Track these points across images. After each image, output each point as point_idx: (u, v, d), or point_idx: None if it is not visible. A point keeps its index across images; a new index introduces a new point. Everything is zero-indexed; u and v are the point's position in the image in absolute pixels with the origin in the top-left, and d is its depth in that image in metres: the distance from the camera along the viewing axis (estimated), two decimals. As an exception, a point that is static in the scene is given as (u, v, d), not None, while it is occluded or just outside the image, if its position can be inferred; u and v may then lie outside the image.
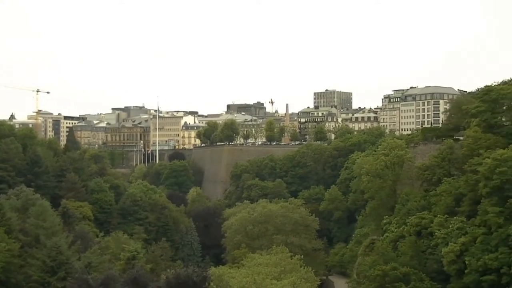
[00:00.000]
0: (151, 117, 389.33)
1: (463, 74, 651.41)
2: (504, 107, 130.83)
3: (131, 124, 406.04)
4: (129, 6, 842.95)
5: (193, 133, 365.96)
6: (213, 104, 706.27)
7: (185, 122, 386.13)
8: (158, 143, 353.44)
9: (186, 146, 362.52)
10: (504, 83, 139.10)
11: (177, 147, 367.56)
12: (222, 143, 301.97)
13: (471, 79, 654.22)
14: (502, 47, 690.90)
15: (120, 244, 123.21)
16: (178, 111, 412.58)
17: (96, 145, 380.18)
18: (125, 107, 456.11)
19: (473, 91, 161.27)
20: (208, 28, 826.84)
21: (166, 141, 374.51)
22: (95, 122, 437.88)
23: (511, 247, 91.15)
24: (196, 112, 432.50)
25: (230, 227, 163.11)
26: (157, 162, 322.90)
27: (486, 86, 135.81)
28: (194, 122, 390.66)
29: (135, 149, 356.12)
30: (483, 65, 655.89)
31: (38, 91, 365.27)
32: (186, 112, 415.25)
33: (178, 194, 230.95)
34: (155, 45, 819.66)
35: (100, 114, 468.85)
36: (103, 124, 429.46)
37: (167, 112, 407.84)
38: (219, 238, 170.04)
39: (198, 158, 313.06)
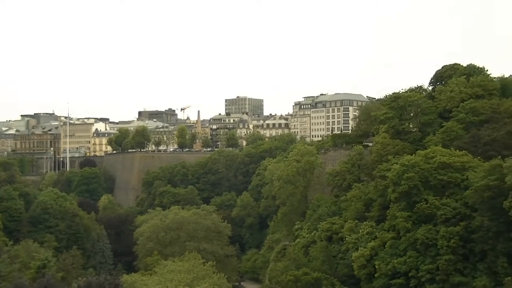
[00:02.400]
0: (62, 124, 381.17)
1: (372, 81, 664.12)
2: (411, 114, 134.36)
3: (41, 131, 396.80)
4: (31, 10, 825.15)
5: (104, 140, 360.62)
6: (124, 111, 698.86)
7: (96, 129, 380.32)
8: (69, 150, 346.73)
9: (98, 153, 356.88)
10: (411, 90, 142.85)
11: (88, 154, 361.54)
12: (133, 150, 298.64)
13: (380, 86, 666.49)
14: (411, 55, 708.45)
15: (30, 252, 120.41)
16: (89, 118, 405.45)
17: (5, 153, 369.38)
18: (35, 113, 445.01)
19: (382, 98, 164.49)
20: (118, 35, 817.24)
21: (77, 148, 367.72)
22: (3, 129, 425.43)
23: (419, 251, 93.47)
24: (107, 119, 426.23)
25: (142, 234, 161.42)
26: (68, 169, 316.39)
27: (394, 93, 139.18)
28: (105, 129, 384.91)
29: (45, 156, 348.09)
30: (391, 72, 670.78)
31: None
32: (97, 119, 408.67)
33: (89, 202, 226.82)
34: (64, 51, 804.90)
35: (9, 121, 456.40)
36: (12, 131, 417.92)
37: (78, 119, 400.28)
38: (131, 245, 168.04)
39: (110, 165, 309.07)
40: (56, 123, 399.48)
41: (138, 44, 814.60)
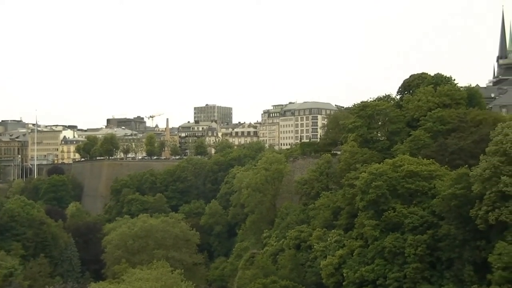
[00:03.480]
0: (29, 131, 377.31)
1: (341, 90, 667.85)
2: (379, 123, 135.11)
3: (9, 138, 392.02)
4: None
5: (72, 148, 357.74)
6: (93, 118, 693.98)
7: (64, 137, 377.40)
8: (37, 157, 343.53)
9: (66, 161, 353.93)
10: (379, 99, 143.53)
11: (56, 161, 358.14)
12: (102, 158, 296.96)
13: (348, 95, 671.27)
14: (378, 65, 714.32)
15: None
16: (57, 125, 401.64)
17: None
18: (2, 121, 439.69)
19: (350, 106, 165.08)
20: (86, 42, 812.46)
21: (45, 155, 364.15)
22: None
23: (387, 259, 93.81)
24: (76, 126, 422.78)
25: (110, 242, 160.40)
26: (35, 177, 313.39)
27: (362, 102, 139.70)
28: (74, 137, 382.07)
29: (12, 164, 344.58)
30: (360, 80, 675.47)
31: None
32: (65, 126, 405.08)
33: (57, 209, 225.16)
34: (32, 58, 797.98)
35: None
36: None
37: (46, 126, 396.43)
38: (99, 253, 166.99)
39: (78, 172, 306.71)
40: (24, 130, 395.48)
41: (106, 51, 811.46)
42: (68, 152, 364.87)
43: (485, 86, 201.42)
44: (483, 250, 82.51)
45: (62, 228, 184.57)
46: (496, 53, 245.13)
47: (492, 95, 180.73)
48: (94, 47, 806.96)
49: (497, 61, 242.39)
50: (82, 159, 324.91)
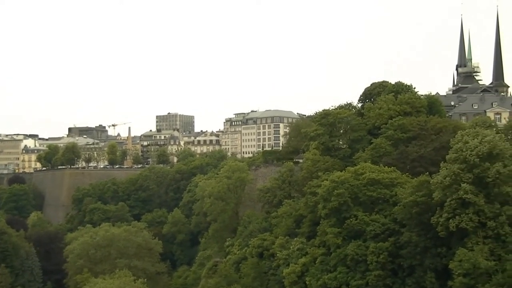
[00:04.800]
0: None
1: (302, 98, 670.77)
2: (341, 131, 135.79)
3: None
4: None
5: (33, 157, 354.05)
6: (54, 127, 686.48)
7: (25, 146, 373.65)
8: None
9: (27, 170, 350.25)
10: (341, 107, 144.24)
11: (17, 170, 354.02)
12: (63, 167, 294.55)
13: (309, 103, 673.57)
14: (339, 74, 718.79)
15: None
16: (18, 134, 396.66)
17: None
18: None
19: (312, 114, 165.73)
20: (46, 51, 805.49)
21: (6, 164, 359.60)
22: None
23: (349, 266, 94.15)
24: (37, 135, 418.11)
25: (72, 251, 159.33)
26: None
27: (324, 110, 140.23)
28: (35, 146, 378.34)
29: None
30: (321, 89, 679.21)
31: None
32: (26, 135, 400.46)
33: (18, 219, 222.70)
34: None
35: None
36: None
37: (6, 135, 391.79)
38: (61, 263, 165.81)
39: (39, 182, 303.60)
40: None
41: (66, 61, 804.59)
42: (29, 161, 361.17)
43: (445, 94, 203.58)
44: (444, 257, 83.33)
45: (23, 238, 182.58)
46: (455, 61, 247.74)
47: (452, 103, 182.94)
48: (55, 56, 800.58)
49: (457, 69, 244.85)
50: (44, 168, 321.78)
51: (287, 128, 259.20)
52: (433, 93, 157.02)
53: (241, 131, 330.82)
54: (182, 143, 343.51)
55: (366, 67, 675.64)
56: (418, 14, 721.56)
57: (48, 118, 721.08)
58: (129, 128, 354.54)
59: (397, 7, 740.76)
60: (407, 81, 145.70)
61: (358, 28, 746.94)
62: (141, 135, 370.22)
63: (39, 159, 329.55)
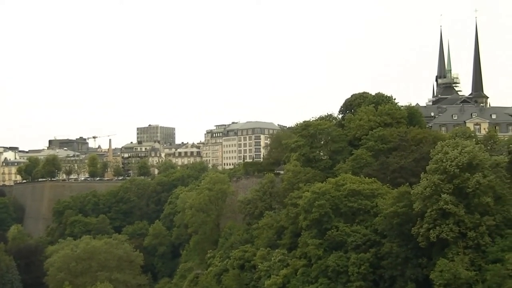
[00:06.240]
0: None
1: (283, 109, 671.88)
2: (322, 142, 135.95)
3: None
4: None
5: (13, 169, 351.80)
6: (35, 140, 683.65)
7: (5, 158, 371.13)
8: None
9: (7, 183, 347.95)
10: (321, 118, 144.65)
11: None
12: (44, 179, 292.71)
13: (291, 114, 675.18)
14: (320, 85, 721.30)
15: None
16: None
17: None
18: None
19: (293, 126, 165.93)
20: (26, 61, 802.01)
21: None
22: None
23: (330, 278, 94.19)
24: (17, 148, 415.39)
25: (53, 264, 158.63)
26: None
27: (304, 122, 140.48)
28: (15, 158, 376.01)
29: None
30: (302, 100, 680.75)
31: None
32: (6, 147, 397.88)
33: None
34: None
35: None
36: None
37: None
38: (42, 276, 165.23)
39: (19, 194, 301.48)
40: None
41: (47, 73, 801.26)
42: (9, 173, 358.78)
43: (425, 105, 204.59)
44: (424, 268, 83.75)
45: (3, 251, 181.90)
46: (435, 72, 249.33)
47: (432, 114, 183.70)
48: (34, 69, 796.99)
49: (436, 80, 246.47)
50: (24, 181, 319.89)
51: (268, 139, 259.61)
52: (413, 104, 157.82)
53: (222, 142, 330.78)
54: (163, 155, 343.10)
55: (348, 79, 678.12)
56: (398, 25, 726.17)
57: (28, 131, 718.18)
58: (110, 140, 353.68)
59: (378, 19, 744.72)
60: (387, 92, 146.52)
61: (338, 39, 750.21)
62: (122, 147, 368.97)
63: (19, 171, 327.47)
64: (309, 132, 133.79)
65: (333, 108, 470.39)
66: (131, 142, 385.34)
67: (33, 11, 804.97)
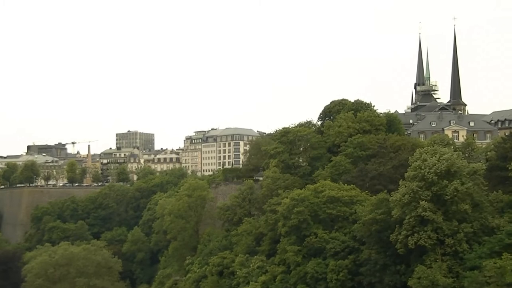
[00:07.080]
0: None
1: (263, 116, 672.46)
2: (301, 148, 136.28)
3: None
4: None
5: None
6: (13, 145, 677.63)
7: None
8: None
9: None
10: (300, 125, 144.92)
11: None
12: (22, 185, 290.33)
13: (270, 121, 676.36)
14: (299, 91, 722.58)
15: None
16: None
17: None
18: None
19: (272, 132, 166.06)
20: (5, 68, 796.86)
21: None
22: None
23: (309, 284, 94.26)
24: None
25: (31, 271, 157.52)
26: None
27: (284, 128, 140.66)
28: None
29: None
30: (281, 107, 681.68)
31: None
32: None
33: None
34: None
35: None
36: None
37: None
38: (19, 282, 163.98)
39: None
40: None
41: (25, 77, 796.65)
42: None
43: (403, 112, 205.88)
44: (403, 274, 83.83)
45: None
46: (414, 80, 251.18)
47: (411, 121, 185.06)
48: (12, 72, 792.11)
49: (415, 87, 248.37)
50: (2, 187, 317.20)
51: (247, 146, 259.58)
52: (392, 111, 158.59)
53: (201, 149, 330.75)
54: (142, 161, 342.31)
55: (327, 86, 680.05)
56: (377, 33, 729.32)
57: (6, 136, 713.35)
58: (89, 146, 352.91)
59: (358, 26, 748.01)
60: (366, 99, 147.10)
61: (316, 46, 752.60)
62: (101, 153, 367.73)
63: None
64: (288, 138, 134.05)
65: (313, 115, 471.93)
66: (110, 148, 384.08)
67: (12, 19, 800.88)
